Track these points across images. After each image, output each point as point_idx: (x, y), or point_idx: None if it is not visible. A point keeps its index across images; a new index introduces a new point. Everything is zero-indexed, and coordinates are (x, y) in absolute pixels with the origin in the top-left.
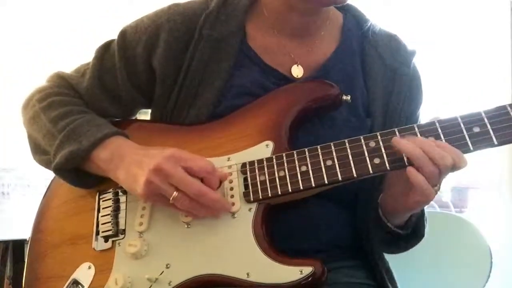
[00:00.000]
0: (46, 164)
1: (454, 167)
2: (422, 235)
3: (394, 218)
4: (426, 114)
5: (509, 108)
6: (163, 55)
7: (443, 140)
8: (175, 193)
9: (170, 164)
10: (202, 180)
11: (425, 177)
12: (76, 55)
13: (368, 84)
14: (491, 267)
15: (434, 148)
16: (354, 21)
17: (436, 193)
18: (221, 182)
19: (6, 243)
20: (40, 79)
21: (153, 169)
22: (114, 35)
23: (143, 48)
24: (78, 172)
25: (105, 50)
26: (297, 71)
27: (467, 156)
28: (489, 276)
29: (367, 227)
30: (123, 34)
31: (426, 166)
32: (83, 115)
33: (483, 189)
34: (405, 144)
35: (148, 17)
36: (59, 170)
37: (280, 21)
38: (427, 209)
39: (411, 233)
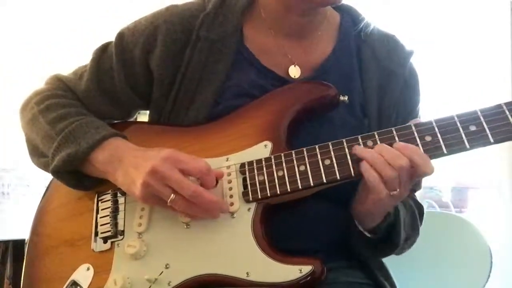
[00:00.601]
0: (45, 167)
1: (415, 167)
2: (396, 245)
3: (361, 221)
4: (426, 114)
5: (504, 107)
6: (161, 57)
7: (440, 139)
8: (172, 195)
9: (166, 166)
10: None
11: (384, 181)
12: (76, 55)
13: (364, 84)
14: (491, 267)
15: (389, 150)
16: (351, 21)
17: (394, 198)
18: (217, 181)
19: (6, 243)
20: (39, 80)
21: (149, 172)
22: (113, 35)
23: (141, 50)
24: (77, 175)
25: (102, 52)
26: (294, 72)
27: (467, 155)
28: (489, 276)
29: (350, 229)
30: (120, 36)
31: (383, 170)
32: (81, 117)
33: (483, 189)
34: (363, 150)
35: (146, 19)
36: (57, 173)
37: (278, 22)
38: (426, 209)
39: (383, 239)
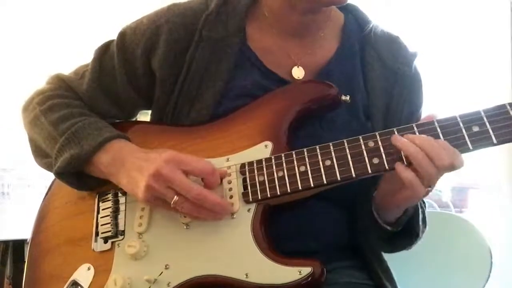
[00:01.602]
0: (48, 167)
1: (452, 167)
2: (417, 235)
3: (385, 214)
4: (425, 114)
5: (508, 107)
6: (163, 57)
7: (442, 140)
8: (175, 197)
9: (169, 168)
10: (203, 181)
11: (423, 178)
12: (77, 54)
13: (368, 85)
14: (491, 267)
15: (433, 147)
16: (355, 22)
17: (428, 193)
18: (221, 180)
19: (6, 243)
20: (40, 79)
21: (152, 174)
22: (115, 34)
23: (143, 50)
24: (80, 176)
25: (104, 51)
26: (297, 73)
27: (467, 155)
28: (489, 276)
29: (365, 227)
30: (122, 35)
31: (425, 167)
32: (84, 118)
33: (483, 189)
34: (405, 143)
35: (148, 18)
36: (60, 174)
37: (281, 21)
38: (427, 209)
39: (402, 232)
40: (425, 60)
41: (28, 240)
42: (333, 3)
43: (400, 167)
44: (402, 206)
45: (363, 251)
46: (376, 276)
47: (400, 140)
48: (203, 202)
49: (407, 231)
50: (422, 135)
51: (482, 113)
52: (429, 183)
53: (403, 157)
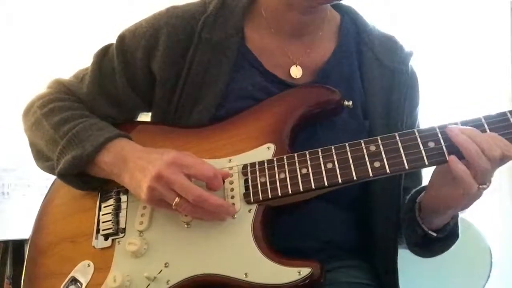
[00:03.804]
0: (50, 170)
1: (503, 158)
2: (458, 236)
3: (433, 219)
4: (425, 115)
5: (509, 115)
6: (163, 59)
7: (443, 145)
8: (177, 199)
9: (171, 171)
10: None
11: (476, 172)
12: (76, 57)
13: (365, 85)
14: (491, 267)
15: (484, 139)
16: (351, 22)
17: (481, 192)
18: (223, 181)
19: (6, 243)
20: (39, 80)
21: (154, 176)
22: (114, 37)
23: (142, 53)
24: (82, 176)
25: (103, 55)
26: (296, 72)
27: None
28: (489, 276)
29: (377, 230)
30: (121, 38)
31: (479, 162)
32: (85, 119)
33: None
34: (461, 137)
35: (147, 21)
36: (63, 176)
37: (279, 21)
38: None
39: (446, 236)
40: (424, 60)
41: (27, 239)
42: (329, 1)
43: (453, 161)
44: (456, 207)
45: (375, 254)
46: (387, 277)
47: (454, 132)
48: (204, 205)
49: (451, 235)
50: (469, 128)
51: (483, 120)
52: (483, 179)
53: (445, 152)
